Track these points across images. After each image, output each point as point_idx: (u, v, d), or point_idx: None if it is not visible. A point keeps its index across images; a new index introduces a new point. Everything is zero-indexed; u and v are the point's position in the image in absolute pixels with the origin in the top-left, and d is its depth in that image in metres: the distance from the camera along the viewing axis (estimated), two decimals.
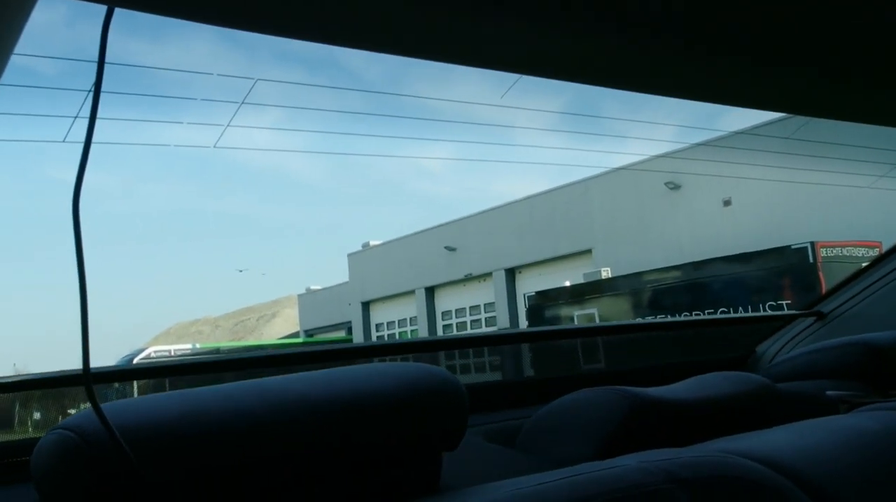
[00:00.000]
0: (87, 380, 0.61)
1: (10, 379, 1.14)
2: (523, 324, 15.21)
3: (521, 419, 1.19)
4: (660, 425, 1.04)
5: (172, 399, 0.66)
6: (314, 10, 0.71)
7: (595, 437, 1.01)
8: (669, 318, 11.06)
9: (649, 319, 11.30)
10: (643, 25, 0.87)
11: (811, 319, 1.82)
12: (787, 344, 1.80)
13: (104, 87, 0.74)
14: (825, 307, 1.81)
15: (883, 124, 1.27)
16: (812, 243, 9.43)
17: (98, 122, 0.80)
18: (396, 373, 0.73)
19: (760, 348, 1.82)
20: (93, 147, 0.97)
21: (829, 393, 1.28)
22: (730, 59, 0.99)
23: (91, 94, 0.66)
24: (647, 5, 0.81)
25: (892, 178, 9.56)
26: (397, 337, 19.88)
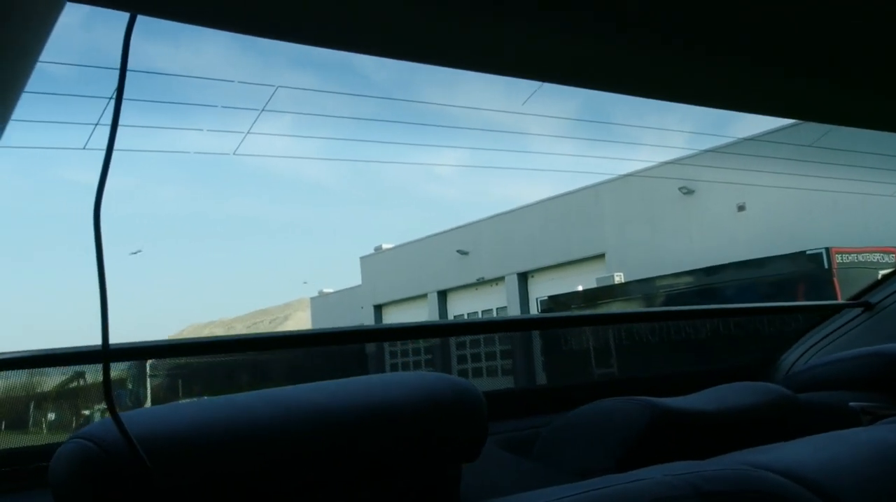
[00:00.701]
0: (106, 357, 0.60)
1: (25, 355, 1.09)
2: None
3: (537, 428, 1.17)
4: (681, 436, 1.02)
5: (188, 408, 0.66)
6: (329, 17, 0.71)
7: (616, 448, 0.99)
8: (683, 323, 10.97)
9: (664, 323, 11.23)
10: (653, 30, 0.86)
11: (857, 310, 1.78)
12: (833, 333, 1.77)
13: (125, 94, 0.74)
14: (873, 297, 1.78)
15: (888, 129, 1.26)
16: (827, 249, 9.34)
17: (119, 129, 0.80)
18: (415, 383, 0.72)
19: (806, 337, 1.78)
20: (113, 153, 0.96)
21: (851, 404, 1.26)
22: (739, 64, 0.98)
23: (112, 102, 0.66)
24: (656, 11, 0.81)
25: None
26: (410, 341, 19.85)
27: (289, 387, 0.71)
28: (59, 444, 0.66)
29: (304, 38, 0.75)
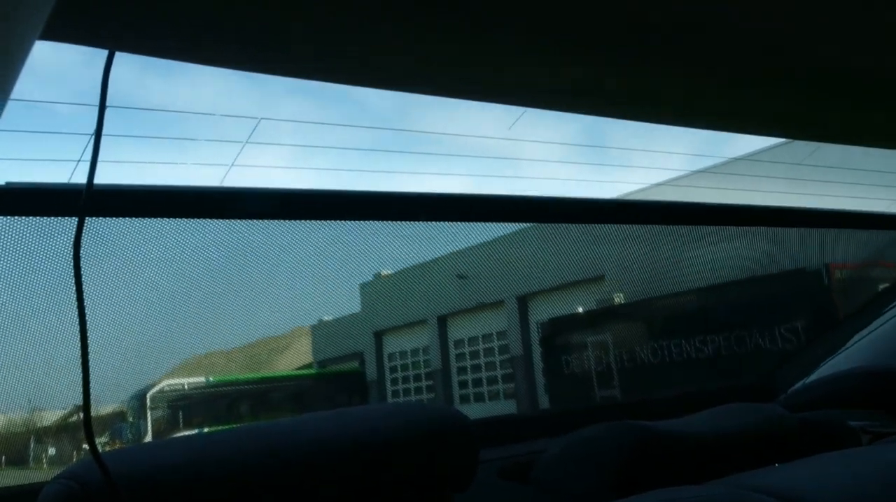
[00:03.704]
0: (84, 204, 0.58)
1: None
2: (537, 351, 15.10)
3: (534, 453, 1.16)
4: (676, 460, 1.01)
5: (174, 445, 0.65)
6: (314, 51, 0.71)
7: (610, 473, 0.98)
8: (683, 342, 10.97)
9: (664, 343, 11.22)
10: (647, 56, 0.87)
11: (852, 328, 1.76)
12: (830, 350, 1.74)
13: (108, 129, 0.74)
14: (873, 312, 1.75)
15: (871, 145, 1.28)
16: (827, 265, 9.33)
17: (104, 164, 0.80)
18: (403, 414, 0.72)
19: (804, 354, 1.71)
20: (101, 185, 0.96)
21: (851, 423, 1.25)
22: (732, 85, 0.99)
23: (93, 139, 0.66)
24: (651, 38, 0.82)
25: None
26: (410, 368, 19.79)
27: (273, 422, 0.70)
28: (44, 483, 0.65)
29: (284, 71, 0.76)
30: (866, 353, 1.68)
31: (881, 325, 1.73)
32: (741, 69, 0.92)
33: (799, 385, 1.68)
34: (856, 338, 1.75)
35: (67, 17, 0.54)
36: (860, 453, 0.99)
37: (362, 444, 0.67)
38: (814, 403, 1.47)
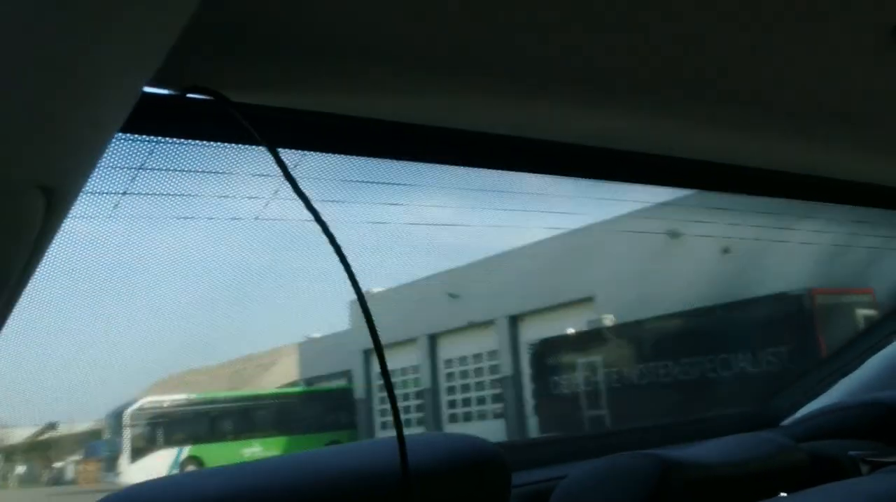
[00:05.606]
0: None
1: None
2: (527, 372, 15.09)
3: (553, 480, 1.15)
4: (690, 490, 1.03)
5: (178, 482, 0.63)
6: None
7: None
8: (671, 365, 11.03)
9: (651, 365, 11.27)
10: (644, 97, 0.92)
11: (849, 358, 1.77)
12: (828, 377, 1.76)
13: (150, 163, 0.76)
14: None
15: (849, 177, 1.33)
16: (809, 290, 9.48)
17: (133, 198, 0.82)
18: (436, 445, 0.72)
19: (803, 382, 1.72)
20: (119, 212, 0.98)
21: (851, 453, 1.27)
22: (729, 125, 1.04)
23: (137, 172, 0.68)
24: (647, 81, 0.86)
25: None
26: (401, 386, 19.66)
27: (294, 455, 0.69)
28: None
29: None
30: (863, 382, 1.71)
31: (877, 353, 1.75)
32: (736, 111, 0.97)
33: (799, 414, 1.70)
34: (853, 366, 1.77)
35: (170, 66, 0.56)
36: (862, 483, 1.02)
37: (395, 477, 0.66)
38: (815, 433, 1.48)
